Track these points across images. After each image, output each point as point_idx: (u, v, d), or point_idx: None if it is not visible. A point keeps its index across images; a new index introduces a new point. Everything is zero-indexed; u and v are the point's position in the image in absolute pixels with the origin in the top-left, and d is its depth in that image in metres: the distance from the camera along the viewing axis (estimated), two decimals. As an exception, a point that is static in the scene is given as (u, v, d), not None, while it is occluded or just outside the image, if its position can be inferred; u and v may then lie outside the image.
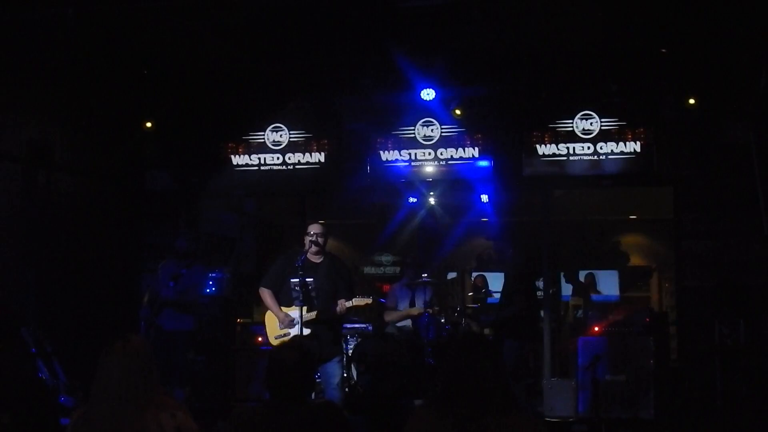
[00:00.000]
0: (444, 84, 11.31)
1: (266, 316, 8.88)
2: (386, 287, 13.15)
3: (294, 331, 8.56)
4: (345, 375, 9.82)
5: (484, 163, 11.43)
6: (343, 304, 8.65)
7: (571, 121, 11.12)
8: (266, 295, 8.84)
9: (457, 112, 11.44)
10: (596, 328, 10.41)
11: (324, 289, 8.66)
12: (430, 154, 11.56)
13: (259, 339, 11.31)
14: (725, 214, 10.75)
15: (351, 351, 10.77)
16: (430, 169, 11.62)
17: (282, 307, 8.70)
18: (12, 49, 9.71)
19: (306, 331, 8.52)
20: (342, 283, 8.80)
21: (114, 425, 4.10)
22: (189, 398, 10.04)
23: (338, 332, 9.03)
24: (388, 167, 11.69)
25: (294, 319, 8.60)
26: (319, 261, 8.78)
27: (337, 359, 8.75)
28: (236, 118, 12.13)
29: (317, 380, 9.55)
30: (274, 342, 8.64)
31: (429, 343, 10.79)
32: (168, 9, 9.45)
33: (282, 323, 8.68)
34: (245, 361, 11.01)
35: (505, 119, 11.42)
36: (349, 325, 11.01)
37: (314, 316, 8.55)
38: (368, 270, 15.61)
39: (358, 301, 8.89)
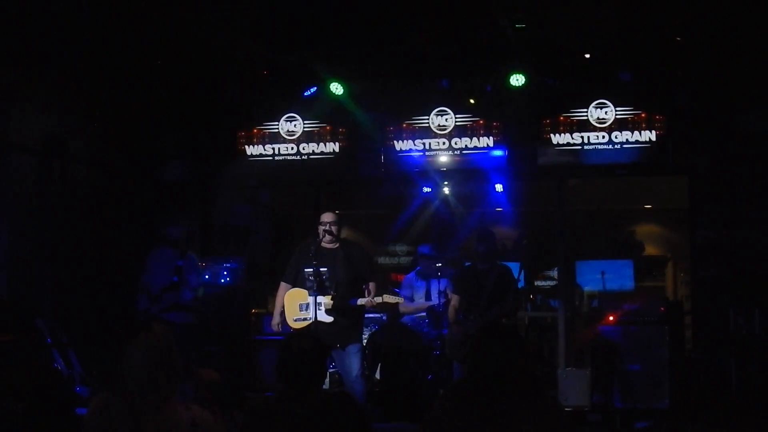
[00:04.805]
0: (459, 73, 11.30)
1: (285, 297, 8.93)
2: (400, 277, 13.13)
3: (313, 315, 8.63)
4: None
5: (498, 153, 11.40)
6: (372, 301, 8.71)
7: (585, 109, 11.07)
8: (279, 289, 9.07)
9: (471, 101, 11.43)
10: (611, 318, 10.41)
11: (341, 275, 8.72)
12: (444, 143, 11.53)
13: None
14: (740, 203, 10.72)
15: (365, 341, 10.78)
16: (444, 158, 11.59)
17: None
18: (26, 41, 9.74)
19: (329, 319, 8.60)
20: (362, 269, 8.86)
21: (134, 416, 4.11)
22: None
23: (358, 320, 9.05)
24: (402, 157, 11.67)
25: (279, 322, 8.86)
26: (334, 247, 8.83)
27: (355, 349, 8.78)
28: (250, 108, 12.13)
29: (331, 370, 9.61)
30: (293, 324, 8.76)
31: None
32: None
33: (272, 325, 8.99)
34: (260, 352, 11.06)
35: (520, 108, 11.38)
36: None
37: (330, 302, 8.60)
38: (382, 260, 15.60)
39: (388, 298, 9.00)
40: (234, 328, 11.37)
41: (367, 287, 8.81)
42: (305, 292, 8.68)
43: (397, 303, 9.48)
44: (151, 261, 10.11)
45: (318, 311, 8.60)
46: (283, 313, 8.90)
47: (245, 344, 11.21)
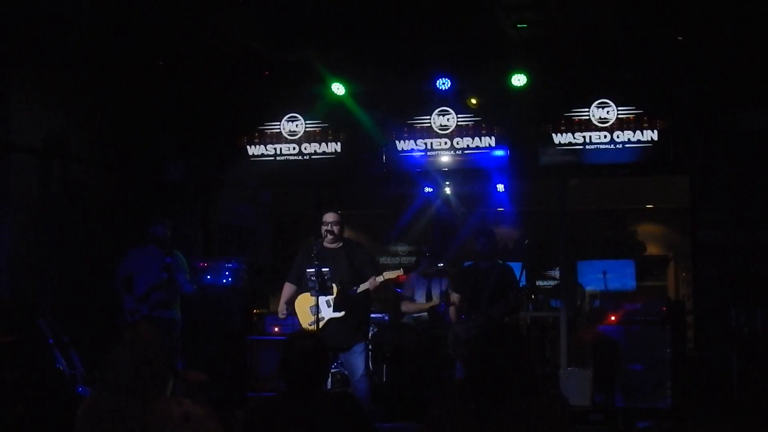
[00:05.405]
0: (460, 73, 11.30)
1: (296, 303, 8.94)
2: (402, 277, 13.14)
3: (326, 315, 8.66)
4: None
5: (500, 153, 11.39)
6: (375, 280, 8.71)
7: (587, 109, 11.06)
8: (284, 290, 9.12)
9: (473, 101, 11.43)
10: (613, 318, 10.40)
11: (344, 274, 8.73)
12: (446, 143, 11.52)
13: (276, 329, 11.34)
14: (742, 202, 10.71)
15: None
16: (445, 158, 11.59)
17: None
18: (27, 40, 9.72)
19: (339, 314, 8.61)
20: (365, 268, 8.87)
21: (122, 416, 4.11)
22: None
23: (363, 320, 9.06)
24: (403, 157, 11.67)
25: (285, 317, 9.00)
26: (336, 247, 8.85)
27: (360, 348, 8.78)
28: (252, 108, 12.13)
29: (334, 370, 9.60)
30: (309, 328, 8.75)
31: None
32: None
33: (278, 313, 9.09)
34: (260, 351, 11.06)
35: (521, 108, 11.37)
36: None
37: (333, 298, 8.61)
38: (384, 260, 15.59)
39: (389, 275, 8.95)
40: (234, 328, 11.36)
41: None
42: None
43: (398, 276, 9.42)
44: (134, 260, 10.10)
45: (326, 309, 8.63)
46: (289, 303, 8.94)
47: (245, 344, 11.21)
